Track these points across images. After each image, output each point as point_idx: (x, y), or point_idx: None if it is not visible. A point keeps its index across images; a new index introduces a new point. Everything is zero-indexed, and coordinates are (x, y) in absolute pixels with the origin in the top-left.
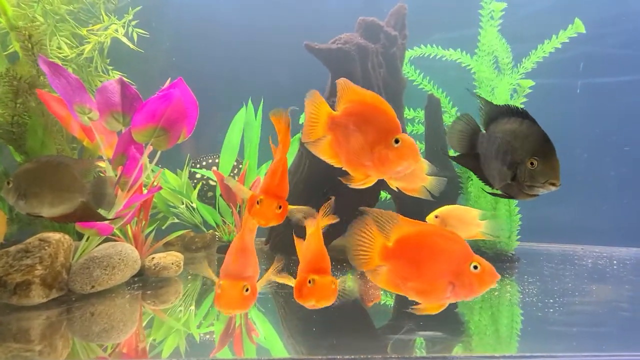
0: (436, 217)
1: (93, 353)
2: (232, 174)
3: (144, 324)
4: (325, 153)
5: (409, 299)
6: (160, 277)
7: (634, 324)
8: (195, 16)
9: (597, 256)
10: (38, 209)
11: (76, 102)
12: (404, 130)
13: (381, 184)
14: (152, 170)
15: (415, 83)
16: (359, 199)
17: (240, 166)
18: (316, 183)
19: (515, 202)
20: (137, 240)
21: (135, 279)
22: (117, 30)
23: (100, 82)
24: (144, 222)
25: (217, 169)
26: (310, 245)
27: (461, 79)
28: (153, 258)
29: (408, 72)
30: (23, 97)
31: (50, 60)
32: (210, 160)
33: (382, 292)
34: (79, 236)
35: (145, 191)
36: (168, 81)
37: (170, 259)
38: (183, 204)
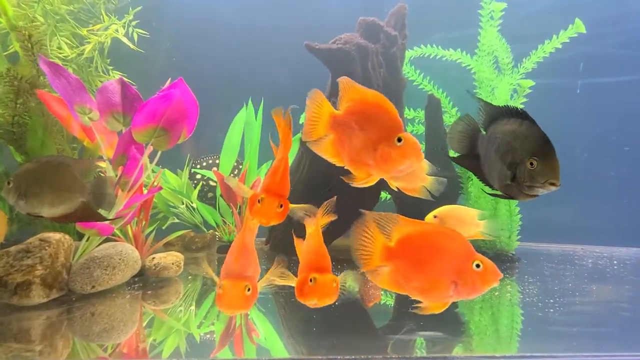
0: (435, 217)
1: (93, 353)
2: (232, 175)
3: (144, 324)
4: (327, 152)
5: (412, 298)
6: (161, 277)
7: (634, 324)
8: (195, 16)
9: (598, 256)
10: (38, 209)
11: (76, 102)
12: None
13: (381, 184)
14: (153, 171)
15: (415, 83)
16: (359, 199)
17: (240, 167)
18: (316, 183)
19: (515, 202)
20: (138, 241)
21: (136, 279)
22: (117, 31)
23: (101, 82)
24: (144, 222)
25: (217, 169)
26: (310, 244)
27: (461, 79)
28: (153, 258)
29: (408, 72)
30: (24, 97)
31: (51, 60)
32: (210, 161)
33: (382, 292)
34: (80, 236)
35: (145, 191)
36: (168, 81)
37: (170, 259)
38: (183, 204)
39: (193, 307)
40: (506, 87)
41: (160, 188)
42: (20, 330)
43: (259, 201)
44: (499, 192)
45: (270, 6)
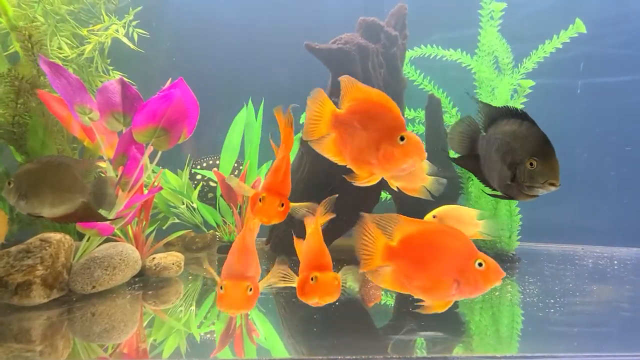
0: (434, 217)
1: (94, 353)
2: (232, 175)
3: (144, 324)
4: (329, 151)
5: (413, 298)
6: (161, 277)
7: (634, 324)
8: (195, 16)
9: (598, 256)
10: (39, 209)
11: (77, 102)
12: None
13: (382, 184)
14: (153, 171)
15: (415, 83)
16: (360, 199)
17: (240, 167)
18: (317, 183)
19: (515, 202)
20: (138, 241)
21: (136, 279)
22: (117, 31)
23: (101, 82)
24: (144, 223)
25: (218, 170)
26: (310, 243)
27: (462, 79)
28: (154, 258)
29: (408, 72)
30: (24, 97)
31: (51, 60)
32: (210, 162)
33: (382, 293)
34: (80, 236)
35: (146, 191)
36: (169, 81)
37: (170, 259)
38: (184, 204)
39: (193, 307)
40: (506, 87)
41: (161, 188)
42: (21, 331)
43: (260, 200)
44: (499, 193)
45: (271, 6)
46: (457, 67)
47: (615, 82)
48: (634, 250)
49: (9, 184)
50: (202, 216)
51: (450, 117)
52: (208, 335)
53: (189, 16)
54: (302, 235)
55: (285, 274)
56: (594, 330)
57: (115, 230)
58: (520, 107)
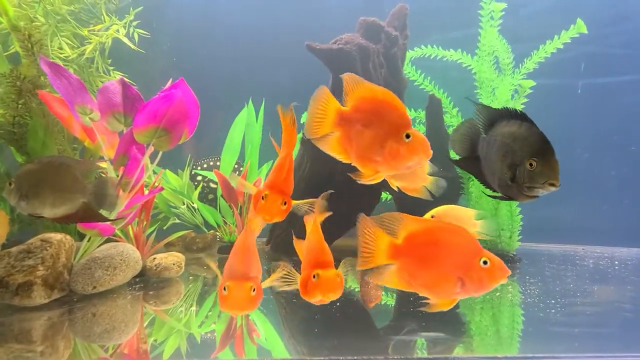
0: (432, 217)
1: (94, 354)
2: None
3: (145, 325)
4: (333, 149)
5: (413, 299)
6: (162, 277)
7: (636, 325)
8: (196, 16)
9: (599, 256)
10: (40, 209)
11: (77, 102)
12: None
13: (382, 184)
14: (154, 171)
15: (416, 83)
16: (361, 199)
17: (241, 169)
18: (318, 182)
19: (516, 202)
20: (139, 241)
21: (137, 280)
22: (118, 31)
23: (102, 82)
24: (145, 223)
25: (218, 170)
26: (311, 242)
27: (462, 79)
28: (154, 258)
29: (409, 73)
30: (25, 97)
31: (52, 60)
32: (211, 163)
33: (383, 293)
34: (81, 237)
35: (146, 192)
36: (169, 81)
37: (171, 260)
38: (184, 204)
39: (194, 308)
40: (507, 88)
41: (162, 189)
42: (22, 331)
43: (263, 198)
44: (499, 194)
45: (271, 6)
46: (457, 67)
47: (616, 82)
48: (635, 250)
49: (10, 184)
50: (202, 216)
51: (451, 117)
52: (209, 336)
53: (190, 16)
54: (302, 235)
55: (288, 272)
56: (595, 330)
57: (116, 231)
58: (520, 107)
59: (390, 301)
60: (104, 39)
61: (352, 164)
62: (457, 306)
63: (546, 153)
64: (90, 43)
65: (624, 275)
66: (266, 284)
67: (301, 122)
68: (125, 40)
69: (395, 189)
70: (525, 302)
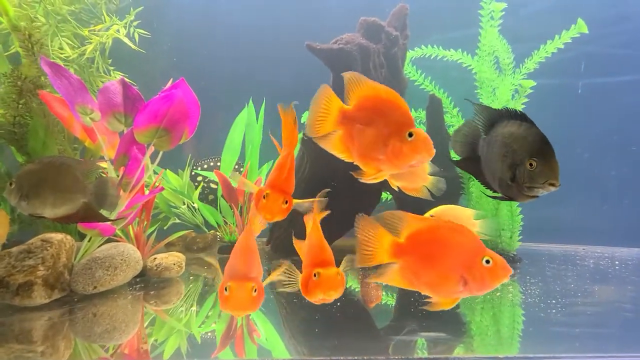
0: (431, 217)
1: (95, 354)
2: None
3: (145, 325)
4: (336, 148)
5: (414, 299)
6: (162, 277)
7: (636, 325)
8: (196, 16)
9: (599, 256)
10: (40, 209)
11: (78, 102)
12: None
13: (383, 184)
14: (154, 171)
15: (416, 83)
16: (361, 199)
17: (241, 169)
18: (318, 183)
19: (516, 202)
20: (139, 241)
21: (137, 280)
22: (118, 31)
23: (102, 82)
24: (145, 223)
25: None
26: (311, 240)
27: (462, 79)
28: (155, 259)
29: (409, 72)
30: (26, 97)
31: (52, 60)
32: (212, 164)
33: (383, 293)
34: (81, 237)
35: (147, 192)
36: (170, 81)
37: (172, 260)
38: (184, 204)
39: (194, 308)
40: (507, 88)
41: (162, 189)
42: (22, 331)
43: (264, 197)
44: (499, 194)
45: (271, 6)
46: (458, 67)
47: (616, 82)
48: (635, 250)
49: (11, 184)
50: (203, 216)
51: (451, 117)
52: (209, 335)
53: (190, 16)
54: (302, 235)
55: (289, 271)
56: (595, 330)
57: (117, 231)
58: (521, 107)
59: (391, 301)
60: (104, 39)
61: (354, 163)
62: (457, 306)
63: (546, 153)
64: (90, 43)
65: (625, 276)
66: (267, 281)
67: (302, 121)
68: (126, 40)
69: (396, 189)
70: (526, 302)
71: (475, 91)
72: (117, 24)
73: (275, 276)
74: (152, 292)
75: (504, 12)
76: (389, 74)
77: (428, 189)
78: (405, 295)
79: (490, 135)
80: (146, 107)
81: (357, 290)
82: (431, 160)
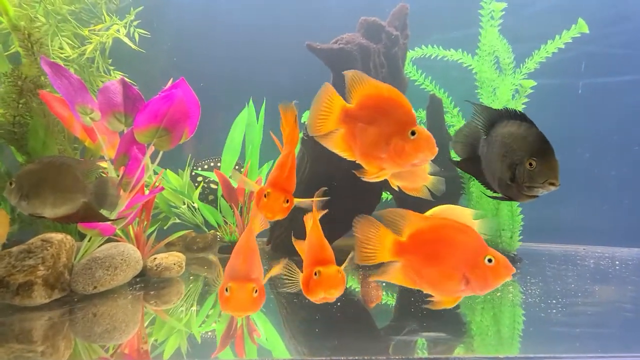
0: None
1: (95, 354)
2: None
3: (145, 325)
4: (338, 146)
5: (413, 299)
6: (162, 277)
7: (637, 325)
8: (196, 16)
9: (599, 256)
10: (40, 209)
11: (78, 102)
12: None
13: (383, 183)
14: (154, 171)
15: (417, 83)
16: (362, 198)
17: (242, 169)
18: (318, 182)
19: (517, 202)
20: (139, 241)
21: (137, 280)
22: (118, 31)
23: (102, 82)
24: (145, 223)
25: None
26: (311, 239)
27: (463, 79)
28: (155, 258)
29: (410, 72)
30: (26, 97)
31: (52, 60)
32: (212, 164)
33: (383, 293)
34: (81, 236)
35: (147, 192)
36: (170, 81)
37: (172, 260)
38: (184, 204)
39: (194, 308)
40: (508, 88)
41: (162, 188)
42: (22, 331)
43: (265, 196)
44: (499, 195)
45: (271, 6)
46: (458, 67)
47: (616, 82)
48: (636, 250)
49: (11, 184)
50: (203, 216)
51: (452, 117)
52: (209, 335)
53: (190, 16)
54: (302, 235)
55: (290, 270)
56: (596, 331)
57: (117, 231)
58: (521, 107)
59: (391, 301)
60: (104, 38)
61: (356, 162)
62: (457, 306)
63: (546, 152)
64: (90, 43)
65: (625, 276)
66: (266, 277)
67: (302, 121)
68: (126, 40)
69: (396, 189)
70: (526, 302)
71: (476, 91)
72: (117, 24)
73: (274, 272)
74: (152, 292)
75: (504, 12)
76: (389, 73)
77: (428, 189)
78: (406, 295)
79: (490, 136)
80: (146, 106)
81: (357, 290)
82: (431, 160)
